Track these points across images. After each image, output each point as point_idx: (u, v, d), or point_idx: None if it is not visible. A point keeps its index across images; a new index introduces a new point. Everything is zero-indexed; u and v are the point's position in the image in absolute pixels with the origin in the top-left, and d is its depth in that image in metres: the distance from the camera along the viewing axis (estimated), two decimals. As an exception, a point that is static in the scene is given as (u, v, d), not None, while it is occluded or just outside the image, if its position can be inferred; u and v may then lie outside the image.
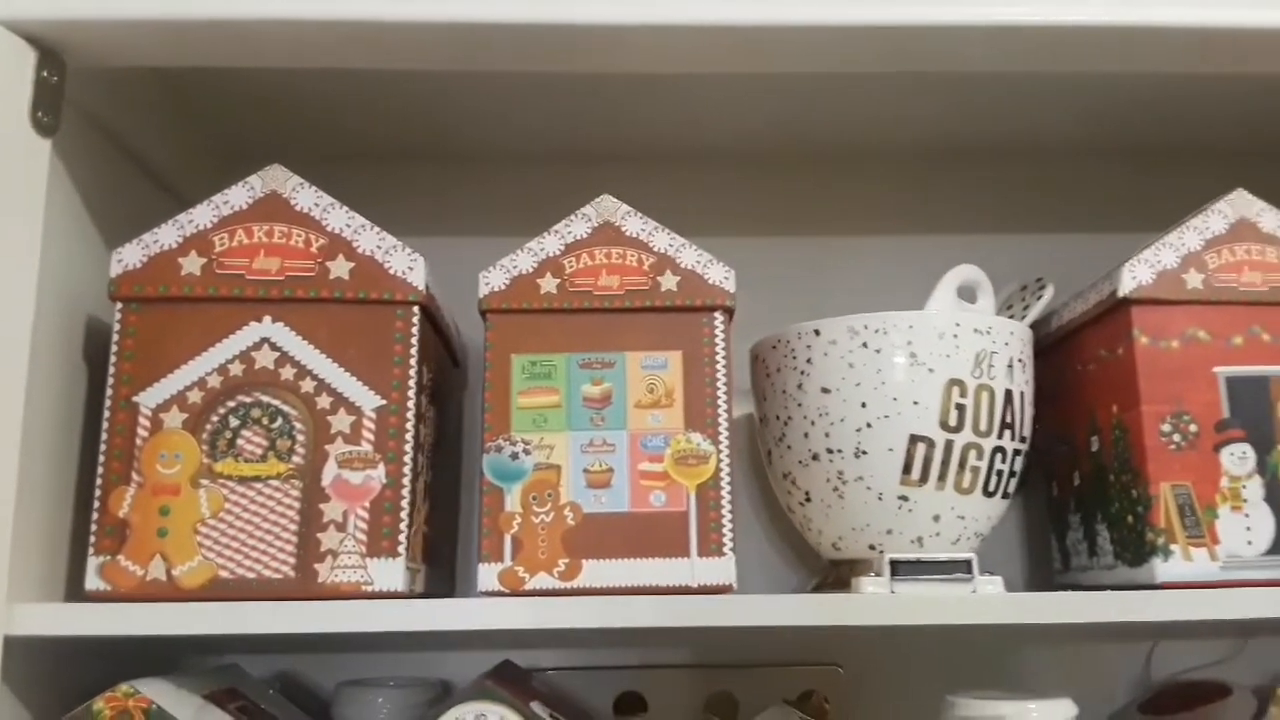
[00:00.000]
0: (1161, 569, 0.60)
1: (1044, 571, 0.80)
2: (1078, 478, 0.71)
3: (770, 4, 0.60)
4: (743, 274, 0.82)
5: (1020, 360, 0.65)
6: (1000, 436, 0.64)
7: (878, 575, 0.56)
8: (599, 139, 0.84)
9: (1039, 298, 0.74)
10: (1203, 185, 0.73)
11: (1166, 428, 0.62)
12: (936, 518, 0.63)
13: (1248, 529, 0.60)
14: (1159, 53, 0.62)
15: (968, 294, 0.70)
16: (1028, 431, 0.66)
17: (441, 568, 0.61)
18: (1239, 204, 0.64)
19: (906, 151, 0.87)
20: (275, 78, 0.72)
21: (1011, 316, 0.74)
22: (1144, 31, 0.59)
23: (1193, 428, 0.61)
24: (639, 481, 0.60)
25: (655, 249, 0.62)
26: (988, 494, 0.64)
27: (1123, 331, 0.64)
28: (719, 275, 0.62)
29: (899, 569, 0.54)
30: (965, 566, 0.55)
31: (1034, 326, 0.75)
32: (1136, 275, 0.63)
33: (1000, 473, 0.64)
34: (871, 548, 0.64)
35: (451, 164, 0.86)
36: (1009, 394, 0.64)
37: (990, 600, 0.54)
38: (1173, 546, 0.60)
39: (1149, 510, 0.61)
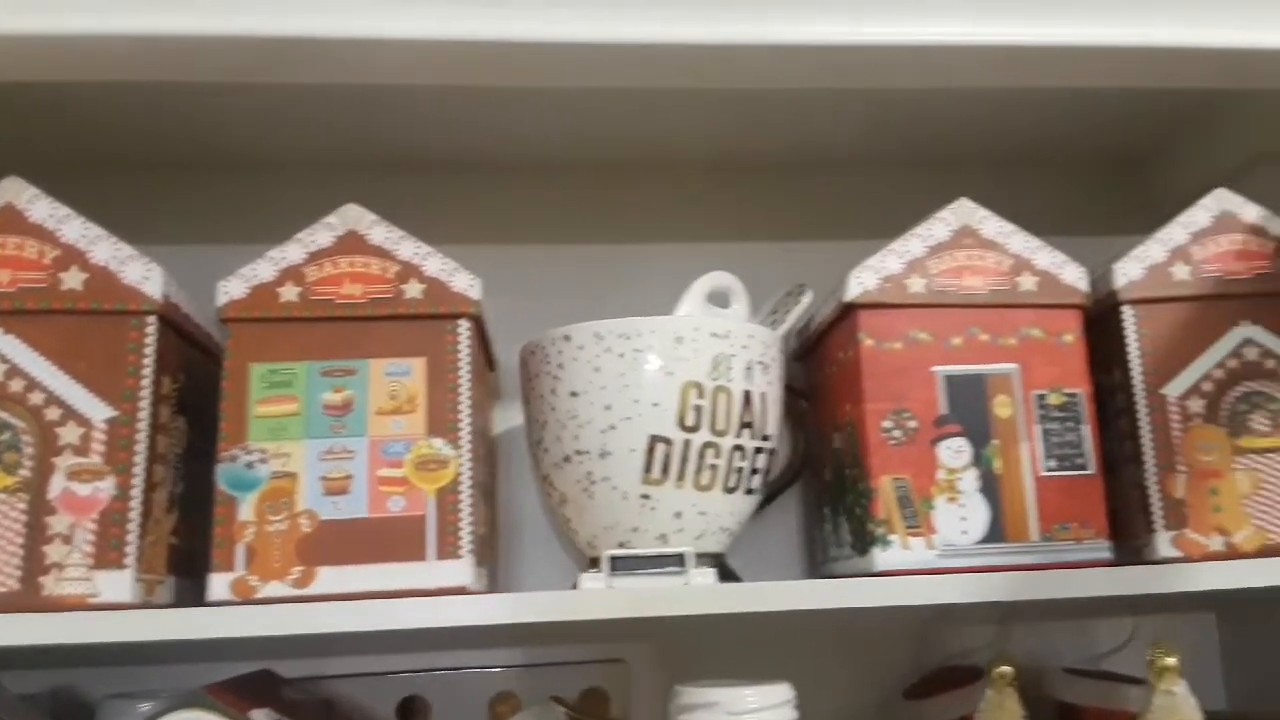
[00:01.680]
0: (881, 558, 0.64)
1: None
2: (828, 473, 0.74)
3: (522, 20, 0.62)
4: (526, 281, 0.86)
5: (761, 363, 0.68)
6: (739, 436, 0.66)
7: (598, 571, 0.58)
8: (389, 147, 0.85)
9: (797, 303, 0.77)
10: (964, 191, 0.78)
11: (888, 424, 0.65)
12: (678, 514, 0.66)
13: (963, 519, 0.64)
14: (928, 69, 0.66)
15: (721, 300, 0.73)
16: (771, 430, 0.69)
17: (200, 578, 0.60)
18: (962, 211, 0.69)
19: (688, 162, 0.89)
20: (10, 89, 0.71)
21: (775, 322, 0.78)
22: (913, 50, 0.63)
23: (913, 424, 0.65)
24: (378, 487, 0.61)
25: (400, 258, 0.63)
26: (728, 491, 0.67)
27: (851, 335, 0.68)
28: (464, 283, 0.63)
29: (617, 564, 0.57)
30: (678, 560, 0.57)
31: (801, 330, 0.79)
32: (862, 282, 0.67)
33: (740, 470, 0.67)
34: (621, 545, 0.67)
35: (209, 173, 0.86)
36: (748, 395, 0.67)
37: (702, 590, 0.57)
38: (891, 536, 0.64)
39: (871, 502, 0.64)
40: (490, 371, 0.78)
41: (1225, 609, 0.88)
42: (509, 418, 0.84)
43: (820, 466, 0.77)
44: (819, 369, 0.77)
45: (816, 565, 0.80)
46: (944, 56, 0.65)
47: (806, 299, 0.78)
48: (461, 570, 0.60)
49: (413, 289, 0.63)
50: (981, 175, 0.92)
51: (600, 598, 0.56)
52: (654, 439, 0.64)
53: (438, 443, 0.61)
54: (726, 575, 0.70)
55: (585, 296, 0.85)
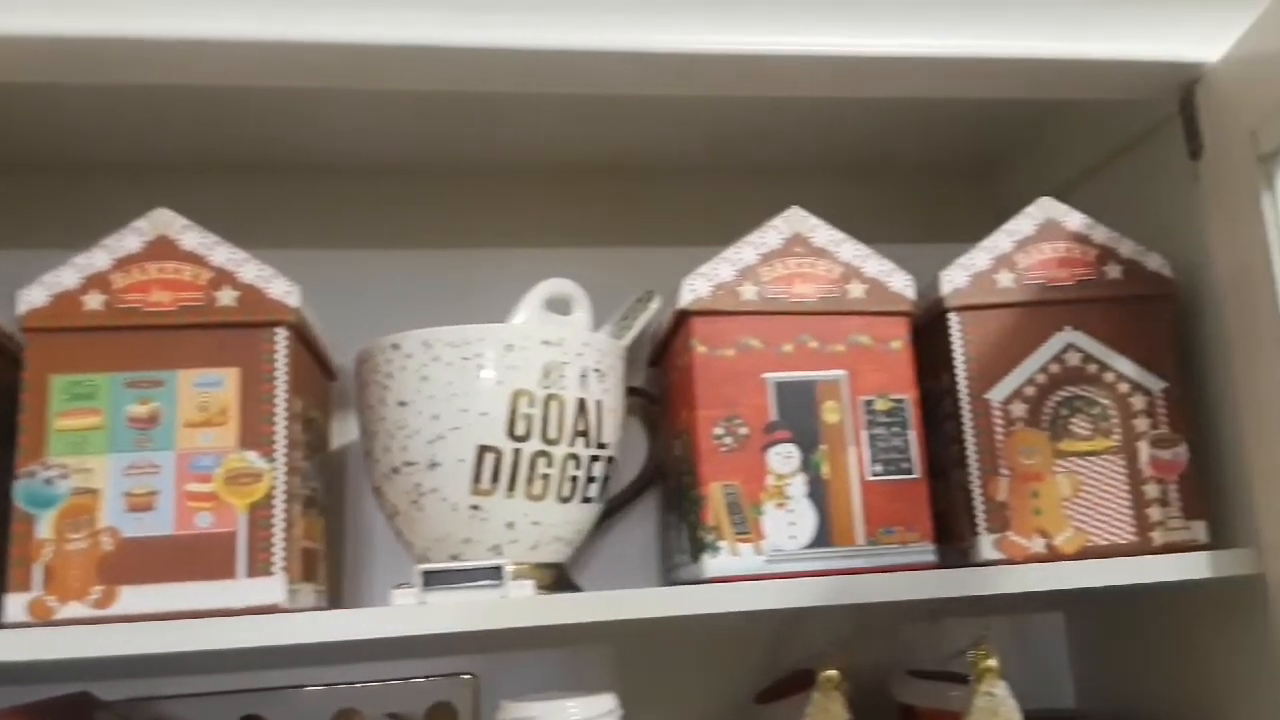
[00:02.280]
0: (710, 564, 0.63)
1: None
2: (673, 480, 0.74)
3: (356, 23, 0.60)
4: (371, 287, 0.85)
5: (597, 370, 0.68)
6: (573, 444, 0.66)
7: (411, 586, 0.57)
8: (221, 149, 0.82)
9: (646, 309, 0.77)
10: (810, 200, 0.78)
11: (719, 431, 0.65)
12: (511, 525, 0.65)
13: (791, 524, 0.65)
14: (767, 79, 0.66)
15: (561, 307, 0.72)
16: (609, 439, 0.69)
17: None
18: (794, 220, 0.69)
19: (534, 168, 0.89)
20: None
21: (624, 328, 0.77)
22: (751, 60, 0.63)
23: (743, 430, 0.66)
24: (185, 503, 0.58)
25: (213, 263, 0.61)
26: (563, 500, 0.66)
27: (686, 342, 0.68)
28: (281, 290, 0.61)
29: (430, 579, 0.56)
30: (495, 572, 0.56)
31: (654, 336, 0.79)
32: (695, 289, 0.67)
33: (575, 479, 0.66)
34: (453, 557, 0.65)
35: (12, 174, 0.82)
36: (582, 403, 0.66)
37: (518, 603, 0.56)
38: (720, 543, 0.64)
39: (701, 509, 0.64)
40: (331, 381, 0.76)
41: (1073, 609, 0.90)
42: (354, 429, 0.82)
43: (668, 473, 0.77)
44: (665, 376, 0.77)
45: (666, 573, 0.80)
46: (782, 66, 0.65)
47: (655, 305, 0.78)
48: (273, 588, 0.58)
49: (226, 296, 0.61)
50: (828, 184, 0.94)
51: (412, 613, 0.55)
52: (483, 449, 0.63)
53: (250, 456, 0.59)
54: (565, 585, 0.70)
55: (433, 303, 0.84)
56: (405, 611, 0.55)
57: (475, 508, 0.64)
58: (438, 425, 0.63)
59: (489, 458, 0.63)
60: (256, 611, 0.57)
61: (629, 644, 0.85)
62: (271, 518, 0.59)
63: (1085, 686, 0.89)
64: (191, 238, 0.62)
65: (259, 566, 0.58)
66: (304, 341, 0.65)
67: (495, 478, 0.63)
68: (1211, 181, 0.66)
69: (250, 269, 0.62)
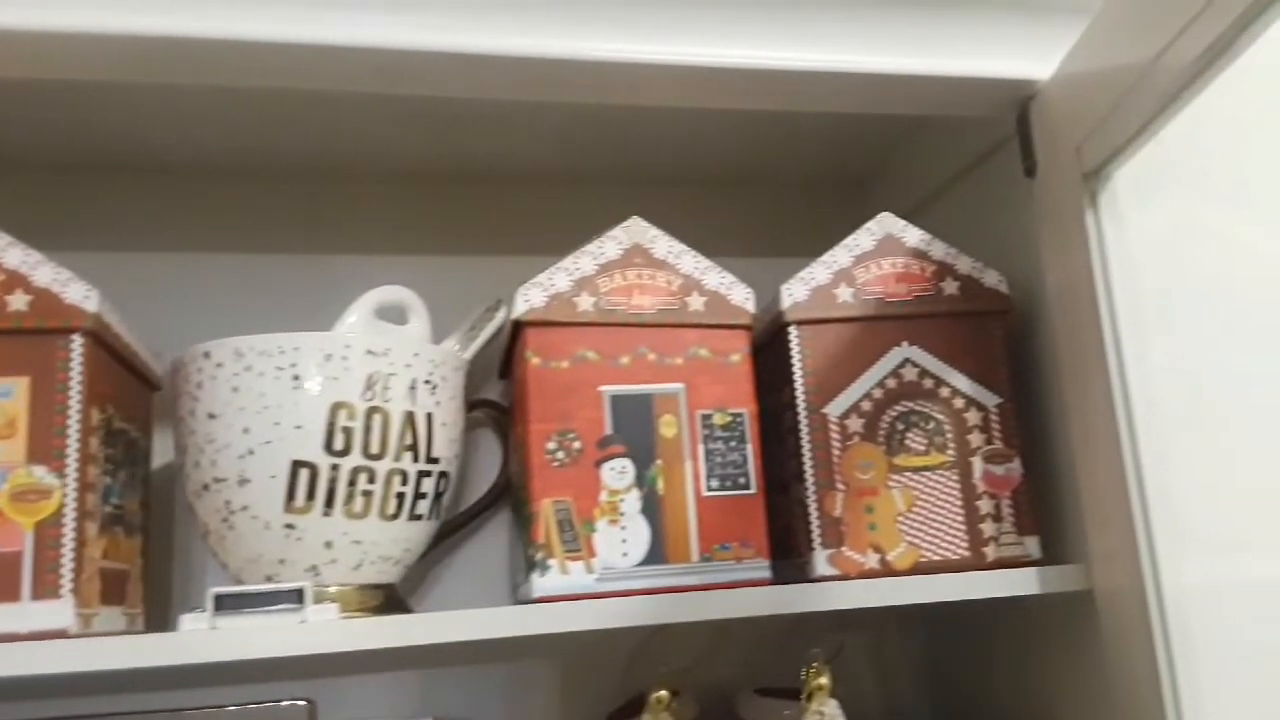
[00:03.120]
0: (538, 583, 0.62)
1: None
2: (515, 495, 0.72)
3: (188, 15, 0.57)
4: (204, 293, 0.81)
5: (429, 382, 0.65)
6: (399, 459, 0.63)
7: (203, 611, 0.53)
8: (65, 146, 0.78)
9: (492, 319, 0.75)
10: (667, 211, 0.77)
11: (552, 445, 0.64)
12: (329, 544, 0.62)
13: (624, 540, 0.63)
14: (622, 87, 0.65)
15: (396, 315, 0.70)
16: (441, 453, 0.67)
17: None
18: (634, 230, 0.68)
19: (380, 172, 0.86)
20: None
21: (471, 338, 0.75)
22: (607, 67, 0.62)
23: (577, 444, 0.64)
24: (-35, 521, 0.54)
25: (6, 266, 0.57)
26: (388, 517, 0.63)
27: (521, 352, 0.66)
28: (78, 295, 0.58)
29: (223, 603, 0.53)
30: (296, 596, 0.54)
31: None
32: (530, 299, 0.65)
33: (401, 495, 0.64)
34: (269, 578, 0.62)
35: None
36: (410, 416, 0.64)
37: (318, 629, 0.53)
38: (550, 561, 0.62)
39: (533, 526, 0.63)
40: (153, 391, 0.73)
41: (926, 623, 0.91)
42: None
43: (514, 488, 0.75)
44: (512, 388, 0.75)
45: (513, 592, 0.78)
46: (633, 75, 0.64)
47: (502, 315, 0.76)
48: (61, 612, 0.54)
49: (18, 301, 0.57)
50: (695, 197, 0.93)
51: (202, 640, 0.52)
52: (297, 464, 0.60)
53: (39, 471, 0.56)
54: (395, 607, 0.67)
55: (273, 312, 0.80)
56: (194, 638, 0.52)
57: (289, 526, 0.61)
58: (248, 439, 0.60)
59: (304, 474, 0.60)
60: (41, 637, 0.53)
61: (486, 666, 0.82)
62: (61, 537, 0.55)
63: (936, 701, 0.90)
64: (-20, 238, 0.58)
65: (45, 589, 0.54)
66: (108, 349, 0.61)
67: (310, 495, 0.61)
68: (1043, 199, 0.67)
69: (45, 272, 0.58)
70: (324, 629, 0.54)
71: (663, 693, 0.62)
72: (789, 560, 0.69)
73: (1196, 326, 0.60)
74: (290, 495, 0.60)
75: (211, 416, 0.61)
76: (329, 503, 0.61)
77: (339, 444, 0.61)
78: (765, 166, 0.93)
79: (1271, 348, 0.57)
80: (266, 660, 0.59)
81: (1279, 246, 0.58)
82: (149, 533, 0.71)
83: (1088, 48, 0.61)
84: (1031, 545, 0.67)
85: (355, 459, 0.61)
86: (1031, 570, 0.65)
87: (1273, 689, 0.55)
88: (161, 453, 0.76)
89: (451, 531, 0.77)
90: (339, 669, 0.80)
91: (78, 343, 0.58)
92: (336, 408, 0.61)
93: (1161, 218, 0.61)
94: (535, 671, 0.83)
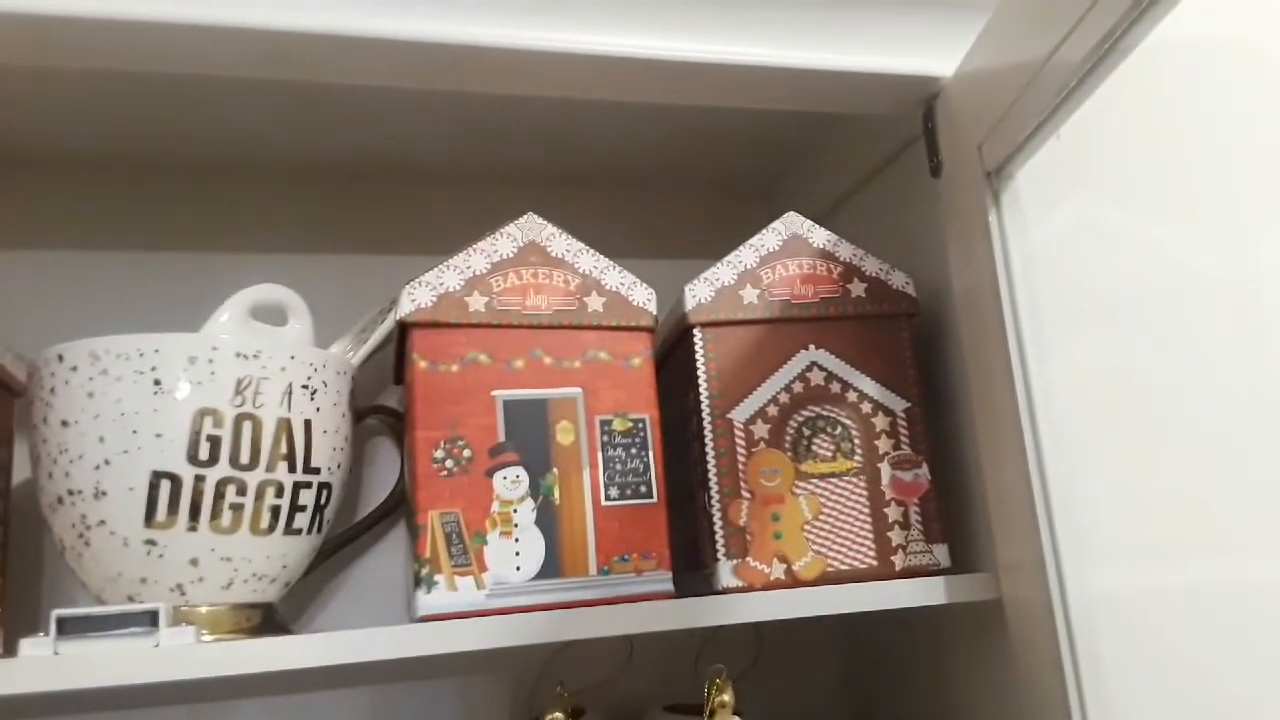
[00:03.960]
0: (424, 601, 0.58)
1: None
2: (407, 507, 0.68)
3: None
4: (83, 295, 0.76)
5: (306, 386, 0.61)
6: (273, 470, 0.59)
7: (45, 635, 0.49)
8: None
9: (384, 321, 0.71)
10: (582, 210, 0.74)
11: (440, 454, 0.60)
12: (195, 561, 0.57)
13: (517, 554, 0.60)
14: (526, 75, 0.62)
15: (274, 316, 0.65)
16: (322, 463, 0.62)
17: None
18: (529, 227, 0.65)
19: (277, 166, 0.82)
20: None
21: (361, 341, 0.71)
22: (507, 55, 0.59)
23: (467, 453, 0.60)
24: None
25: None
26: (262, 532, 0.59)
27: (408, 355, 0.62)
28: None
29: (66, 626, 0.48)
30: (149, 618, 0.49)
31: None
32: (416, 299, 0.61)
33: (277, 508, 0.59)
34: (130, 598, 0.57)
35: None
36: (286, 423, 0.60)
37: (173, 654, 0.49)
38: (437, 577, 0.58)
39: (417, 540, 0.59)
40: (15, 398, 0.67)
41: (843, 630, 0.89)
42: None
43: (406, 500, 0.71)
44: (404, 394, 0.71)
45: (407, 609, 0.74)
46: (535, 62, 0.61)
47: (394, 317, 0.72)
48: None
49: None
50: (596, 195, 0.90)
51: (42, 667, 0.47)
52: (157, 475, 0.56)
53: None
54: (272, 628, 0.63)
55: (150, 313, 0.75)
56: (35, 665, 0.47)
57: (150, 542, 0.56)
58: (104, 449, 0.55)
59: (165, 485, 0.56)
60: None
61: (387, 686, 0.78)
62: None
63: (855, 712, 0.88)
64: None
65: None
66: (-53, 352, 0.56)
67: (173, 509, 0.56)
68: (949, 199, 0.65)
69: None
70: (180, 654, 0.49)
71: (558, 714, 0.59)
72: (697, 572, 0.66)
73: (1102, 330, 0.59)
74: (150, 509, 0.56)
75: (65, 424, 0.56)
76: (194, 516, 0.56)
77: (204, 453, 0.56)
78: (672, 167, 0.90)
79: (1178, 351, 0.57)
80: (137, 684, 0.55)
81: (1184, 246, 0.57)
82: (8, 550, 0.65)
83: (987, 44, 0.60)
84: (940, 553, 0.65)
85: (223, 469, 0.57)
86: (939, 579, 0.63)
87: (1178, 699, 0.54)
88: (25, 465, 0.70)
89: (341, 546, 0.73)
90: (226, 691, 0.75)
91: (-93, 344, 0.53)
92: (201, 414, 0.57)
93: (1064, 218, 0.60)
94: (438, 691, 0.79)
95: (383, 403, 0.79)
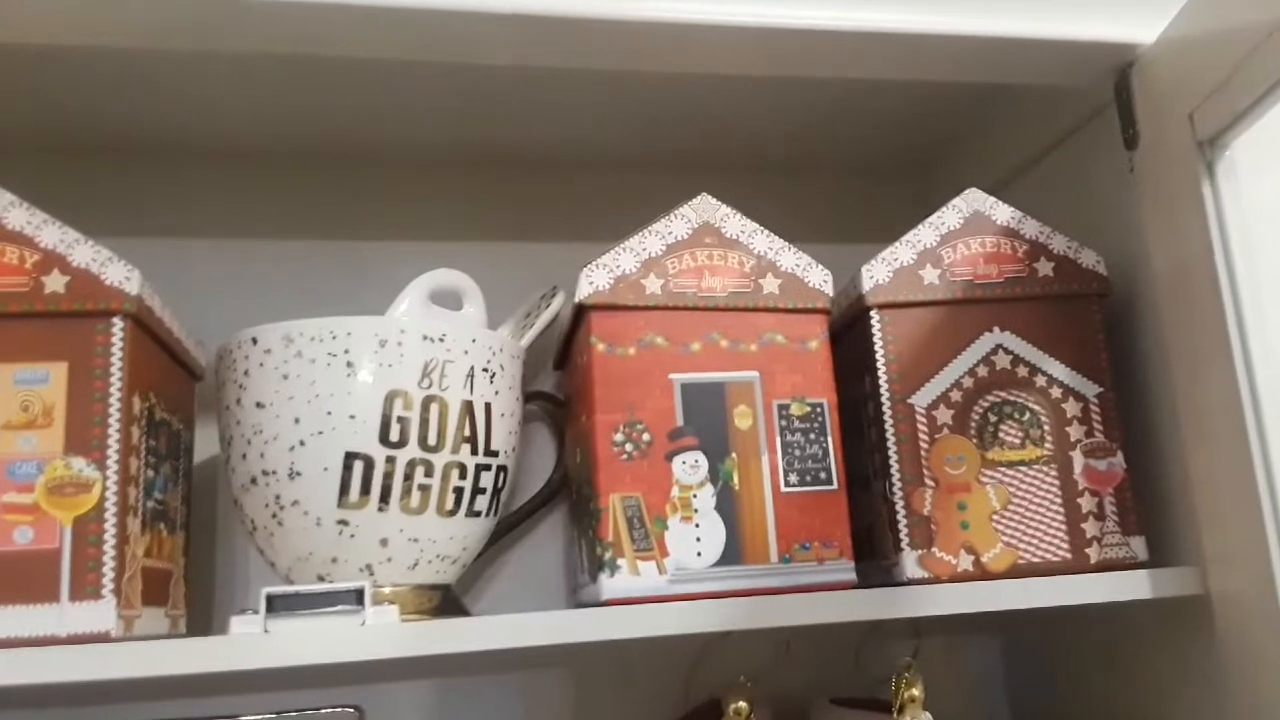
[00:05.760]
0: (607, 585, 0.57)
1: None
2: (575, 492, 0.68)
3: None
4: (253, 279, 0.78)
5: (486, 370, 0.61)
6: (457, 452, 0.59)
7: (255, 612, 0.50)
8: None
9: (548, 306, 0.71)
10: (734, 194, 0.73)
11: (619, 437, 0.59)
12: (384, 542, 0.58)
13: (698, 539, 0.59)
14: (693, 51, 0.61)
15: (451, 300, 0.66)
16: (501, 445, 0.62)
17: None
18: (703, 208, 0.64)
19: (443, 157, 0.82)
20: None
21: (527, 326, 0.71)
22: (671, 29, 0.58)
23: (646, 436, 0.59)
24: (2, 516, 0.51)
25: (41, 245, 0.54)
26: (447, 513, 0.59)
27: (585, 339, 0.62)
28: (119, 275, 0.54)
29: (275, 604, 0.49)
30: (355, 597, 0.50)
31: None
32: (594, 281, 0.61)
33: (460, 490, 0.60)
34: (321, 578, 0.58)
35: None
36: (469, 406, 0.60)
37: (380, 631, 0.49)
38: (620, 561, 0.58)
39: (599, 523, 0.58)
40: (196, 381, 0.69)
41: (1009, 628, 0.85)
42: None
43: (572, 485, 0.71)
44: (570, 378, 0.71)
45: (571, 594, 0.74)
46: (701, 37, 0.59)
47: (558, 302, 0.72)
48: (102, 613, 0.50)
49: (55, 282, 0.53)
50: (751, 181, 0.88)
51: (254, 645, 0.48)
52: (350, 456, 0.56)
53: (78, 463, 0.52)
54: (451, 609, 0.63)
55: (323, 300, 0.76)
56: (246, 642, 0.48)
57: (343, 523, 0.57)
58: (299, 430, 0.56)
59: (358, 466, 0.56)
60: (82, 640, 0.50)
61: (540, 671, 0.78)
62: (102, 533, 0.51)
63: (1022, 712, 0.84)
64: (17, 216, 0.54)
65: (85, 589, 0.51)
66: (150, 334, 0.58)
67: (365, 489, 0.57)
68: (1148, 171, 0.62)
69: (83, 251, 0.54)
70: (384, 633, 0.50)
71: (742, 703, 0.58)
72: (873, 562, 0.64)
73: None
74: (344, 489, 0.56)
75: (259, 406, 0.57)
76: (384, 497, 0.57)
77: (395, 435, 0.57)
78: (827, 151, 0.88)
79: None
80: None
81: None
82: (191, 530, 0.67)
83: (1200, 7, 0.56)
84: (1138, 546, 0.61)
85: (412, 451, 0.57)
86: (1140, 573, 0.60)
87: None
88: (203, 447, 0.72)
89: (507, 530, 0.73)
90: (380, 675, 0.76)
91: (119, 326, 0.54)
92: (392, 396, 0.57)
93: (1287, 187, 0.56)
94: (591, 677, 0.79)
95: (537, 389, 0.79)
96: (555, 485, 0.76)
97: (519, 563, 0.80)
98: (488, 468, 0.61)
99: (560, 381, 0.78)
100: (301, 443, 0.56)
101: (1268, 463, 0.53)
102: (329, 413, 0.56)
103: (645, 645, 0.79)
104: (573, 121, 0.79)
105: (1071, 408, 0.63)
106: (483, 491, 0.61)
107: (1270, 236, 0.56)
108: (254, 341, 0.58)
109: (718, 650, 0.80)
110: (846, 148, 0.87)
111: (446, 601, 0.62)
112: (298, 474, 0.57)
